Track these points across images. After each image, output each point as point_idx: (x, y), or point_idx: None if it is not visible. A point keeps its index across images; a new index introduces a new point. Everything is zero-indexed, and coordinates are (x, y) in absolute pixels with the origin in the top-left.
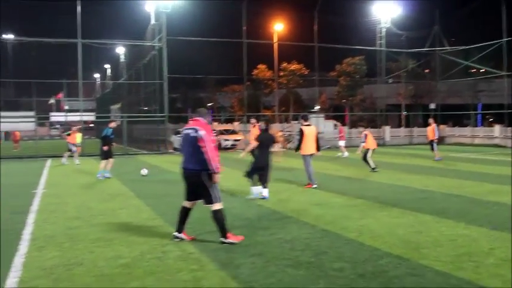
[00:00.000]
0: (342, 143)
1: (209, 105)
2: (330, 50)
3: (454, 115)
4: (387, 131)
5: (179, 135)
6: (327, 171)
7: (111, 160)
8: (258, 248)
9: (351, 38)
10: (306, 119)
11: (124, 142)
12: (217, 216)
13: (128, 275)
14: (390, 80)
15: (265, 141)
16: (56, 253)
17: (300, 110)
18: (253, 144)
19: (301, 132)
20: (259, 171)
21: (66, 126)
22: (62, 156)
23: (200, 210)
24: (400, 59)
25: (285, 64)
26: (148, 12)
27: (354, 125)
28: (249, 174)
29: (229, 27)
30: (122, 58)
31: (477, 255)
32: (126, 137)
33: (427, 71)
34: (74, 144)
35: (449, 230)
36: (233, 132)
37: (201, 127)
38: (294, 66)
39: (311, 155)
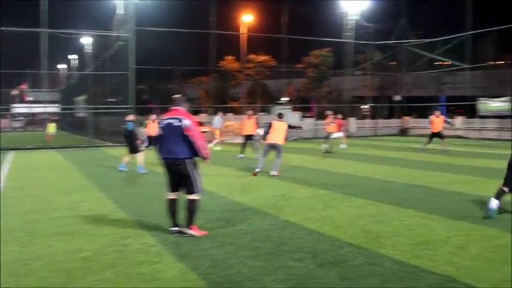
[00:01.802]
0: (337, 135)
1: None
2: (298, 41)
3: (418, 107)
4: (353, 122)
5: (159, 125)
6: (293, 163)
7: (141, 154)
8: (218, 240)
9: (318, 30)
10: (280, 117)
11: (89, 134)
12: (192, 206)
13: (86, 268)
14: (358, 72)
15: None
16: (14, 248)
17: (268, 101)
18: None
19: (270, 125)
20: None
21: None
22: (25, 149)
23: (161, 201)
24: (367, 51)
25: (252, 56)
26: (115, 2)
27: (320, 116)
28: None
29: (197, 18)
30: (88, 48)
31: (434, 244)
32: (92, 129)
33: (393, 63)
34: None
35: (409, 220)
36: (199, 124)
37: (184, 116)
38: (261, 58)
39: (272, 145)
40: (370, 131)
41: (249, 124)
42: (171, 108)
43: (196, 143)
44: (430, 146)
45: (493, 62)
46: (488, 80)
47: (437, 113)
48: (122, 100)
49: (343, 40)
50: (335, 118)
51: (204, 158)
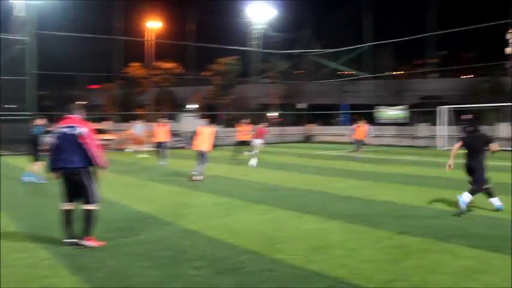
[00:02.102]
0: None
1: (82, 104)
2: (205, 49)
3: (322, 114)
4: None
5: (52, 134)
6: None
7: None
8: (117, 250)
9: (225, 38)
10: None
11: None
12: (90, 216)
13: None
14: (266, 80)
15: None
16: None
17: (175, 109)
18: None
19: (196, 131)
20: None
21: None
22: None
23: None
24: (272, 60)
25: (159, 62)
26: (13, 3)
27: (228, 124)
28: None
29: (103, 24)
30: None
31: (329, 248)
32: None
33: (300, 72)
34: None
35: (308, 225)
36: (104, 131)
37: (79, 124)
38: (168, 65)
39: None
40: (277, 138)
41: (161, 131)
42: (66, 116)
43: (91, 151)
44: (327, 152)
45: (391, 72)
46: (387, 89)
47: (361, 122)
48: (22, 107)
49: (249, 48)
50: (254, 125)
51: (100, 167)
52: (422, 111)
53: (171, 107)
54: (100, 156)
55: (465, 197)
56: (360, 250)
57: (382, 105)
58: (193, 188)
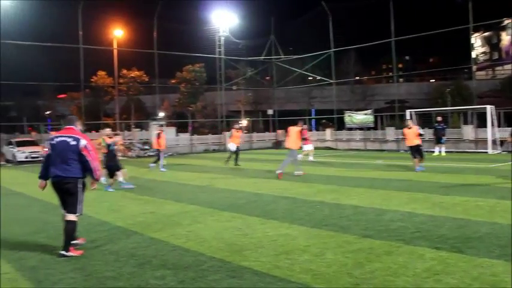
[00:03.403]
0: (307, 147)
1: (47, 114)
2: (171, 57)
3: (290, 120)
4: (228, 137)
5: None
6: (164, 178)
7: None
8: (80, 262)
9: (191, 45)
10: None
11: None
12: (71, 227)
13: None
14: (234, 87)
15: None
16: None
17: (143, 117)
18: None
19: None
20: None
21: None
22: None
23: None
24: (239, 67)
25: (124, 71)
26: None
27: (195, 131)
28: None
29: (66, 32)
30: None
31: (294, 253)
32: None
33: (267, 78)
34: None
35: (273, 231)
36: None
37: (80, 136)
38: (134, 73)
39: None
40: (246, 144)
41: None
42: (66, 126)
43: (92, 164)
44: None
45: (357, 78)
46: (353, 94)
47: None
48: None
49: (214, 56)
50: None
51: (95, 180)
52: (389, 115)
53: (139, 116)
54: (99, 169)
55: None
56: (323, 255)
57: (349, 110)
58: (159, 196)
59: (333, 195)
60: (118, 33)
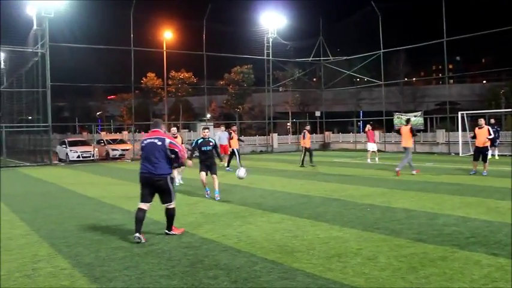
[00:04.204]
0: (371, 147)
1: (98, 114)
2: (219, 58)
3: (338, 122)
4: (275, 138)
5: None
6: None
7: None
8: (134, 260)
9: (239, 47)
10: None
11: (3, 153)
12: (172, 212)
13: None
14: (281, 89)
15: None
16: None
17: (191, 118)
18: None
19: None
20: None
21: None
22: None
23: (76, 222)
24: (287, 68)
25: (173, 72)
26: (31, 16)
27: (243, 132)
28: None
29: (117, 34)
30: (2, 64)
31: (346, 256)
32: (6, 149)
33: (315, 79)
34: None
35: (324, 233)
36: (121, 141)
37: (164, 136)
38: (182, 75)
39: None
40: (293, 146)
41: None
42: (152, 129)
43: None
44: (344, 159)
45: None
46: (402, 95)
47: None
48: (39, 118)
49: (262, 57)
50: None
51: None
52: (439, 117)
53: (187, 117)
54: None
55: None
56: (376, 258)
57: (398, 111)
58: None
59: (383, 198)
60: (167, 35)
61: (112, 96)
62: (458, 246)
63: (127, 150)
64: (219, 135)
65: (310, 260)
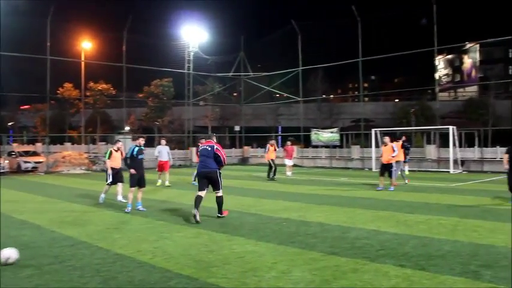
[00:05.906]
0: (288, 162)
1: (9, 125)
2: (139, 71)
3: (257, 137)
4: (194, 152)
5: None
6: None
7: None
8: (43, 278)
9: (160, 60)
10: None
11: None
12: (220, 199)
13: None
14: (201, 103)
15: None
16: None
17: (108, 131)
18: None
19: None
20: None
21: None
22: None
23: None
24: (207, 83)
25: (91, 83)
26: None
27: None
28: None
29: (33, 43)
30: None
31: (261, 270)
32: None
33: (235, 94)
34: None
35: (240, 248)
36: (34, 153)
37: (214, 144)
38: (101, 86)
39: None
40: None
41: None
42: (207, 140)
43: (221, 157)
44: (262, 174)
45: (323, 96)
46: (320, 112)
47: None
48: None
49: (182, 71)
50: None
51: (221, 166)
52: (355, 134)
53: (105, 129)
54: (225, 160)
55: None
56: (290, 272)
57: (315, 127)
58: (123, 210)
59: (299, 212)
60: (86, 45)
61: (26, 106)
62: (369, 258)
63: (40, 162)
64: (159, 149)
65: (225, 274)
